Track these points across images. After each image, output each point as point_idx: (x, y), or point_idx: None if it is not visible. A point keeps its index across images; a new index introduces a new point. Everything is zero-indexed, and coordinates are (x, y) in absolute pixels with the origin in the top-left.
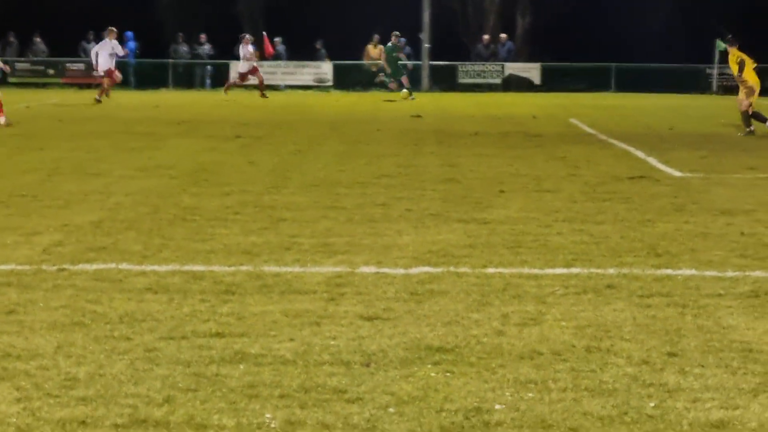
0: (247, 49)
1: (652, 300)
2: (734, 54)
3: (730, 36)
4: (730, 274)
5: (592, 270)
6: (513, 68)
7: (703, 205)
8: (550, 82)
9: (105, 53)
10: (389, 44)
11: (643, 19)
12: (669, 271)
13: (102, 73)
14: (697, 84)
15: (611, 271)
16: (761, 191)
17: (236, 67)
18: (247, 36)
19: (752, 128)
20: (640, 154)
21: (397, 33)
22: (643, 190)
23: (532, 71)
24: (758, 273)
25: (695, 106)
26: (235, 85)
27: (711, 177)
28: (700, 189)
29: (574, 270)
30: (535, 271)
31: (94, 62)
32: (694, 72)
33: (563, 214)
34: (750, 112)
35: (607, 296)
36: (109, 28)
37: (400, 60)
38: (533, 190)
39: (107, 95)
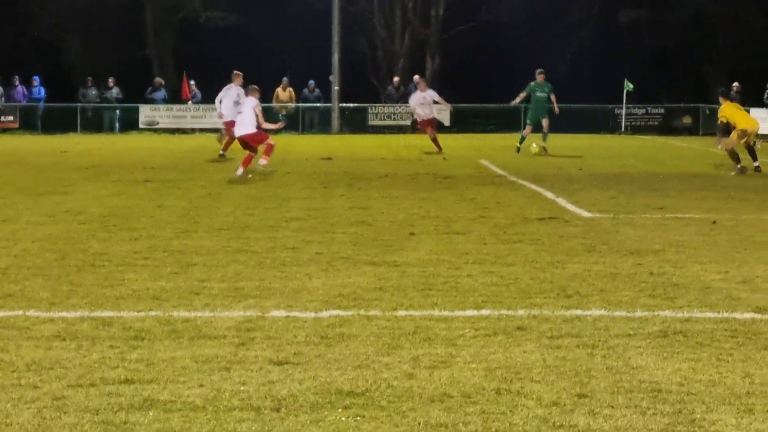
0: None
1: (562, 341)
2: (721, 111)
3: (721, 89)
4: (639, 314)
5: (503, 312)
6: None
7: (612, 246)
8: (461, 124)
9: (229, 100)
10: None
11: (551, 60)
12: (579, 312)
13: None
14: (607, 124)
15: (521, 312)
16: (670, 231)
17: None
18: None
19: (742, 165)
20: (549, 194)
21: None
22: (553, 231)
23: (442, 113)
24: (667, 313)
25: (605, 146)
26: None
27: (620, 217)
28: (609, 229)
29: (485, 312)
30: (446, 313)
31: (218, 110)
32: (603, 112)
33: (473, 256)
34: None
35: (517, 338)
36: (235, 72)
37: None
38: (444, 232)
39: (224, 149)
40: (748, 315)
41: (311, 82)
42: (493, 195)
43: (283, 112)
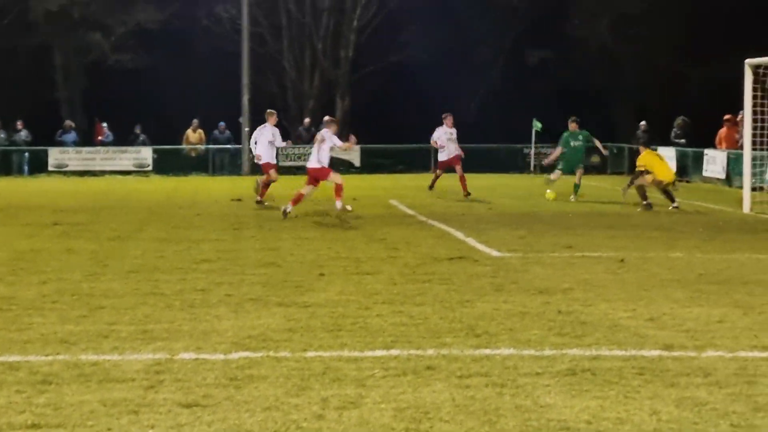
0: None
1: (471, 380)
2: (640, 159)
3: (642, 139)
4: (547, 352)
5: (412, 351)
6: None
7: (521, 285)
8: (371, 164)
9: (264, 140)
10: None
11: (460, 100)
12: (488, 351)
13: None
14: (515, 164)
15: (430, 352)
16: (578, 270)
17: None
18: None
19: (648, 202)
20: (459, 234)
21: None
22: (463, 271)
23: (352, 153)
24: (575, 351)
25: (514, 186)
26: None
27: (529, 256)
28: (518, 268)
29: (394, 352)
30: (355, 353)
31: (254, 152)
32: (512, 152)
33: (383, 296)
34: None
35: (427, 377)
36: (269, 111)
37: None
38: (353, 272)
39: (260, 194)
40: (655, 352)
41: (221, 124)
42: (403, 235)
43: (193, 154)
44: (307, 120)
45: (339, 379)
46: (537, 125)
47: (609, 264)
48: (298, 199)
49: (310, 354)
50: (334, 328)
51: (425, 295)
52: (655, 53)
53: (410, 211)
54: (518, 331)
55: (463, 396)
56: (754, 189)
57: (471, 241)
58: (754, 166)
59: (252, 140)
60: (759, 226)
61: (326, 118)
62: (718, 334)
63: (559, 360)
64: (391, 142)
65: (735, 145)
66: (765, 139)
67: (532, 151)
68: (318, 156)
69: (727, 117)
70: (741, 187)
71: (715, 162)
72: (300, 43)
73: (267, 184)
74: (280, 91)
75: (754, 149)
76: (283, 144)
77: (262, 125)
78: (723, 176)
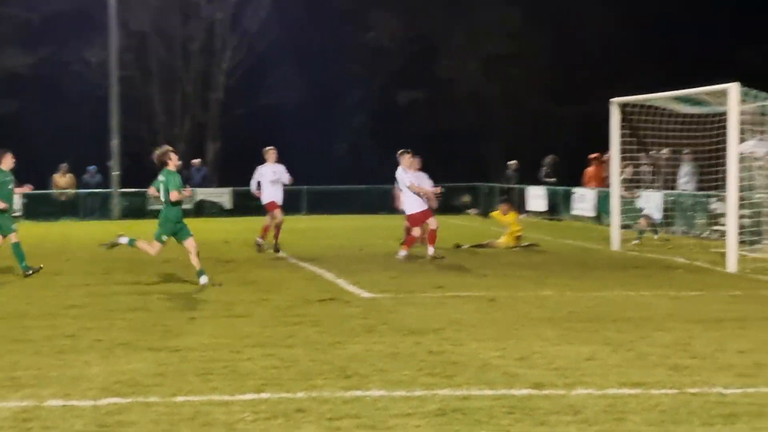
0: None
1: (342, 422)
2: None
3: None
4: (418, 393)
5: (282, 394)
6: (204, 193)
7: (392, 325)
8: (242, 207)
9: (266, 180)
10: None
11: (331, 141)
12: (358, 393)
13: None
14: (387, 204)
15: (301, 394)
16: (449, 309)
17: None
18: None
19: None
20: (330, 276)
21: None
22: (334, 312)
23: (223, 196)
24: (446, 391)
25: (386, 227)
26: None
27: (400, 297)
28: (389, 309)
29: (264, 395)
30: (225, 397)
31: (254, 190)
32: (384, 193)
33: (254, 339)
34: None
35: (297, 420)
36: (267, 148)
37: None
38: (224, 315)
39: (263, 238)
40: (525, 391)
41: (91, 168)
42: (275, 277)
43: (63, 198)
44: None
45: (209, 424)
46: None
47: (479, 303)
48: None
49: (180, 399)
50: (204, 372)
51: (296, 338)
52: (524, 93)
53: (281, 254)
54: (389, 372)
55: None
56: (622, 227)
57: (342, 283)
58: (622, 203)
59: (253, 182)
60: (628, 263)
61: (402, 152)
62: (587, 371)
63: (429, 400)
64: None
65: (603, 183)
66: (633, 177)
67: None
68: (410, 199)
69: (593, 155)
70: (610, 225)
71: (584, 200)
72: (170, 86)
73: (277, 227)
74: (150, 134)
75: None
76: (290, 180)
77: (262, 165)
78: (593, 214)
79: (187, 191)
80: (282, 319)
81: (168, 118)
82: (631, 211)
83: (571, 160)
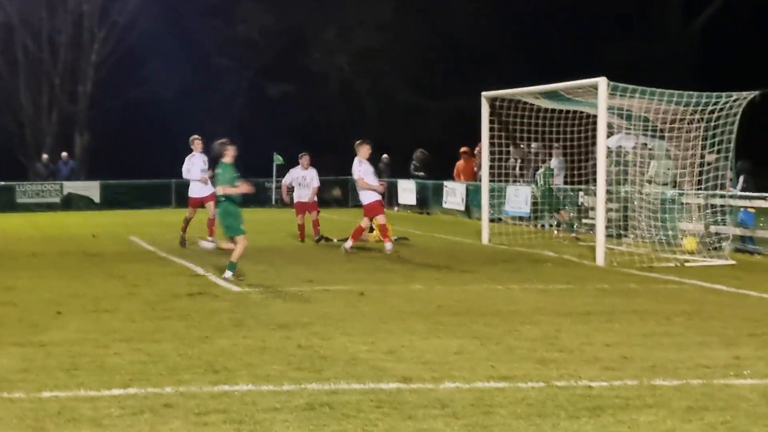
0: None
1: (210, 417)
2: None
3: None
4: (286, 387)
5: (150, 389)
6: (72, 187)
7: (261, 320)
8: (111, 200)
9: (196, 171)
10: None
11: (204, 134)
12: (226, 387)
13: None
14: (257, 197)
15: (168, 389)
16: (318, 304)
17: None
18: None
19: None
20: (199, 270)
21: None
22: (202, 307)
23: (91, 189)
24: (314, 385)
25: (255, 220)
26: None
27: (270, 291)
28: (258, 303)
29: (132, 390)
30: (92, 393)
31: (199, 176)
32: (257, 186)
33: (121, 333)
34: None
35: (164, 415)
36: (194, 136)
37: None
38: (91, 310)
39: (184, 232)
40: (393, 385)
41: None
42: (143, 271)
43: None
44: (45, 156)
45: (75, 419)
46: (278, 159)
47: (349, 297)
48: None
49: (46, 394)
50: (70, 368)
51: (164, 332)
52: (394, 86)
53: (150, 247)
54: (257, 366)
55: None
56: (492, 220)
57: (211, 277)
58: (492, 197)
59: (184, 170)
60: (497, 256)
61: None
62: (455, 365)
63: (297, 395)
64: (132, 177)
65: (473, 177)
66: (503, 171)
67: (274, 185)
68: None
69: (463, 149)
70: (480, 219)
71: (454, 194)
72: (37, 78)
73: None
74: (16, 127)
75: (491, 181)
76: (206, 175)
77: (191, 154)
78: (462, 208)
79: (244, 187)
80: (150, 314)
81: (35, 111)
82: (501, 206)
83: (442, 154)
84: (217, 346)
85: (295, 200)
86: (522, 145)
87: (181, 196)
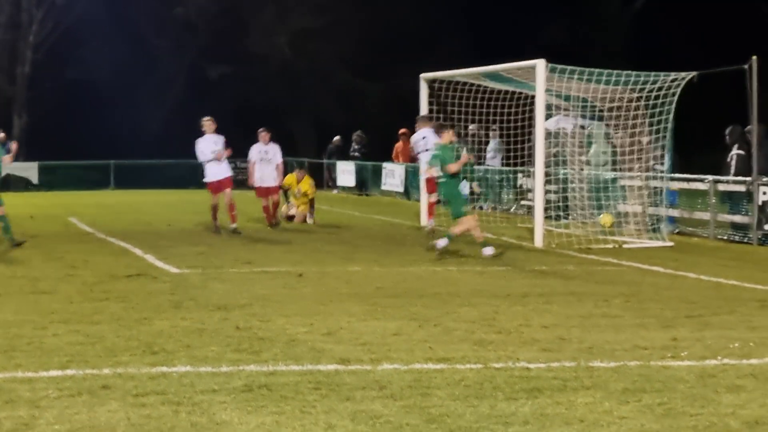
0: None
1: (147, 399)
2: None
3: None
4: (224, 369)
5: (87, 371)
6: (9, 167)
7: (200, 301)
8: (49, 181)
9: (208, 152)
10: None
11: (143, 116)
12: (164, 369)
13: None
14: (196, 179)
15: (106, 371)
16: (257, 285)
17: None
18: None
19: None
20: (138, 251)
21: None
22: (141, 288)
23: (29, 170)
24: (252, 367)
25: (194, 201)
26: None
27: (208, 272)
28: (197, 285)
29: (69, 372)
30: (29, 374)
31: (214, 156)
32: (193, 167)
33: (60, 315)
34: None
35: (102, 397)
36: (205, 117)
37: None
38: (29, 291)
39: (215, 219)
40: (332, 366)
41: None
42: (82, 253)
43: None
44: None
45: (12, 401)
46: None
47: (287, 279)
48: None
49: None
50: (8, 349)
51: (102, 314)
52: (333, 68)
53: (89, 229)
54: (196, 347)
55: (139, 415)
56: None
57: (150, 258)
58: None
59: (200, 153)
60: (436, 238)
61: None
62: (393, 347)
63: (235, 376)
64: (70, 158)
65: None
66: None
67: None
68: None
69: (402, 131)
70: (419, 200)
71: (393, 175)
72: None
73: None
74: None
75: None
76: (223, 154)
77: (203, 137)
78: (401, 189)
79: (465, 157)
80: (89, 295)
81: None
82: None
83: (381, 135)
84: (155, 327)
85: (257, 184)
86: (459, 127)
87: (119, 178)
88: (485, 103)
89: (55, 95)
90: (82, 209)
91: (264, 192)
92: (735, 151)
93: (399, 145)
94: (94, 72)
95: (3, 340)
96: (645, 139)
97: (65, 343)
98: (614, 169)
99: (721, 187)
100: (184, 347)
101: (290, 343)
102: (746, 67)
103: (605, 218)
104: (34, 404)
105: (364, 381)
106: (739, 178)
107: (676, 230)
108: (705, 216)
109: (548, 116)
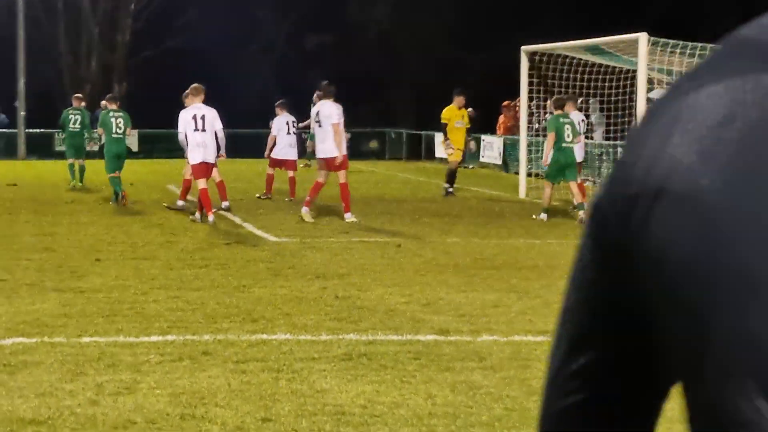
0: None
1: (247, 365)
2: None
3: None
4: (324, 337)
5: (188, 337)
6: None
7: (298, 270)
8: (149, 149)
9: (190, 129)
10: None
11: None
12: (264, 336)
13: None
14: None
15: (207, 337)
16: (355, 255)
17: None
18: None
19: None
20: (236, 219)
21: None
22: (240, 256)
23: (130, 138)
24: (351, 336)
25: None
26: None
27: (306, 241)
28: (295, 253)
29: (170, 337)
30: (131, 339)
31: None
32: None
33: (160, 281)
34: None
35: (203, 363)
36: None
37: None
38: (130, 257)
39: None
40: (430, 337)
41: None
42: (181, 220)
43: None
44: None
45: (114, 365)
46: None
47: (386, 249)
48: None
49: (86, 339)
50: (110, 314)
51: (202, 280)
52: (434, 39)
53: (189, 197)
54: (295, 316)
55: (239, 381)
56: (529, 175)
57: (248, 226)
58: (530, 152)
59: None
60: (534, 211)
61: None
62: (493, 318)
63: (335, 345)
64: (169, 127)
65: (510, 131)
66: (541, 126)
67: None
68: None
69: (505, 103)
70: (518, 173)
71: (492, 148)
72: (76, 27)
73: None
74: (56, 75)
75: (529, 135)
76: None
77: (184, 109)
78: (500, 162)
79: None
80: (188, 262)
81: (74, 59)
82: (538, 160)
83: (480, 107)
84: (254, 295)
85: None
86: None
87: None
88: (586, 76)
89: (156, 63)
90: (180, 177)
91: (279, 164)
92: None
93: (502, 117)
94: (193, 40)
95: (104, 305)
96: None
97: (166, 309)
98: None
99: None
100: (283, 315)
101: (389, 312)
102: None
103: None
104: (135, 368)
105: (464, 352)
106: None
107: None
108: None
109: (649, 89)
